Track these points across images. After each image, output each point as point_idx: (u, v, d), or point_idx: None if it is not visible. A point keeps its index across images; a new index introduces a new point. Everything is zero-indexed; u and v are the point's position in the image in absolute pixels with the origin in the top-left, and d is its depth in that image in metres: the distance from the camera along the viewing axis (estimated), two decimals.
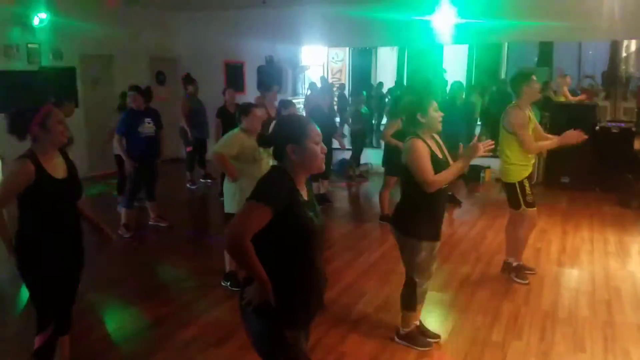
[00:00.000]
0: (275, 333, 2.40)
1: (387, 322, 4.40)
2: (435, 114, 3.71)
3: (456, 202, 8.04)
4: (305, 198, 2.46)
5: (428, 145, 3.69)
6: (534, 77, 4.99)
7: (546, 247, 6.28)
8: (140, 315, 4.63)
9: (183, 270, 5.77)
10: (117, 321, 4.58)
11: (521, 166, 5.00)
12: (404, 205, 3.87)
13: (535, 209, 5.15)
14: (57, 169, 3.18)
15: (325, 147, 2.49)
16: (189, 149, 9.41)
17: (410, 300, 3.93)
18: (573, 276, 5.50)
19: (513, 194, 5.08)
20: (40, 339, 3.24)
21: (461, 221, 7.41)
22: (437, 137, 3.89)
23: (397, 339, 4.06)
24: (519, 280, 5.17)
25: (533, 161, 5.14)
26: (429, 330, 4.16)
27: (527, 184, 5.04)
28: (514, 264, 5.28)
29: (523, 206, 5.05)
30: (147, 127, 6.67)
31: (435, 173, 3.62)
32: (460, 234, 6.75)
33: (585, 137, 4.83)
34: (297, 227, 2.36)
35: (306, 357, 2.52)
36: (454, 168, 3.68)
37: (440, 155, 3.76)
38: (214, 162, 5.12)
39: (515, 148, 4.95)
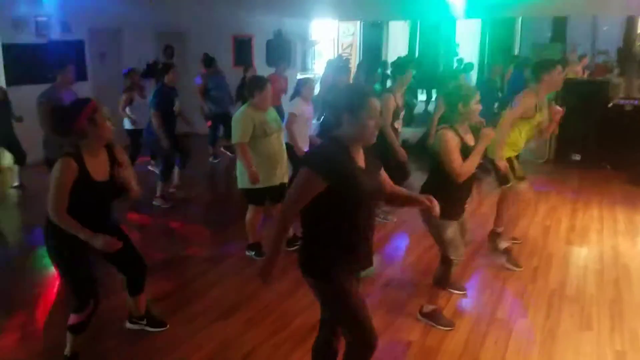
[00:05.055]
0: (332, 286, 2.58)
1: (392, 299, 4.41)
2: (476, 107, 3.71)
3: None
4: (361, 164, 2.56)
5: (459, 135, 3.70)
6: (560, 68, 4.84)
7: (555, 225, 6.24)
8: (147, 289, 4.60)
9: (190, 244, 5.79)
10: (122, 296, 4.59)
11: (510, 147, 4.93)
12: (429, 186, 3.85)
13: (526, 182, 5.07)
14: (100, 169, 3.19)
15: (388, 120, 2.58)
16: (209, 123, 9.43)
17: (444, 277, 3.94)
18: (582, 254, 5.47)
19: (502, 171, 4.95)
20: (75, 317, 3.32)
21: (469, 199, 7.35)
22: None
23: (419, 316, 4.06)
24: (509, 266, 5.00)
25: (522, 146, 5.07)
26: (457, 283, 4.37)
27: (514, 160, 5.00)
28: (504, 244, 5.13)
29: (513, 179, 4.97)
30: (176, 105, 6.81)
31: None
32: (467, 212, 6.70)
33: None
34: (348, 193, 2.48)
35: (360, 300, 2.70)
36: (476, 153, 3.69)
37: (471, 143, 3.78)
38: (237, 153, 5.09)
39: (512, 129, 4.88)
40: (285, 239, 2.51)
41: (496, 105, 8.36)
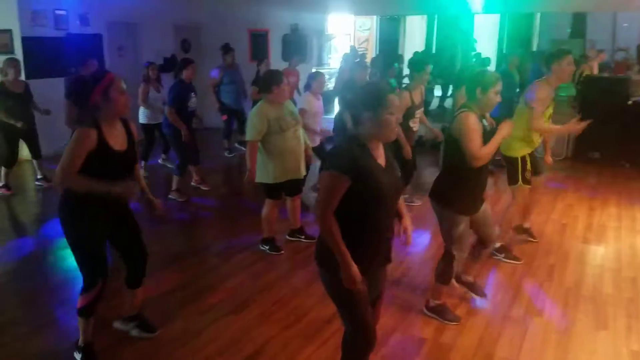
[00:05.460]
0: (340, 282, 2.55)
1: (406, 295, 4.38)
2: (494, 97, 3.62)
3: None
4: (381, 162, 2.56)
5: (481, 121, 3.65)
6: (570, 58, 4.75)
7: (572, 223, 6.17)
8: (161, 281, 4.66)
9: (204, 238, 5.81)
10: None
11: (526, 142, 4.87)
12: (444, 178, 3.85)
13: (530, 186, 5.02)
14: (118, 139, 3.22)
15: (400, 117, 2.59)
16: (224, 117, 9.48)
17: (446, 273, 3.91)
18: (598, 253, 5.41)
19: (513, 169, 4.94)
20: (83, 299, 3.31)
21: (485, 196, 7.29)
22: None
23: (425, 311, 4.05)
24: (509, 261, 5.01)
25: (539, 141, 5.00)
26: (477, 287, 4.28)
27: (528, 160, 4.92)
28: (497, 244, 5.03)
29: (520, 182, 4.92)
30: (193, 101, 6.79)
31: None
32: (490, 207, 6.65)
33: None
34: (368, 192, 2.48)
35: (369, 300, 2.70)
36: (494, 141, 3.62)
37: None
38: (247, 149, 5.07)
39: (526, 123, 4.81)
40: (340, 237, 2.47)
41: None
